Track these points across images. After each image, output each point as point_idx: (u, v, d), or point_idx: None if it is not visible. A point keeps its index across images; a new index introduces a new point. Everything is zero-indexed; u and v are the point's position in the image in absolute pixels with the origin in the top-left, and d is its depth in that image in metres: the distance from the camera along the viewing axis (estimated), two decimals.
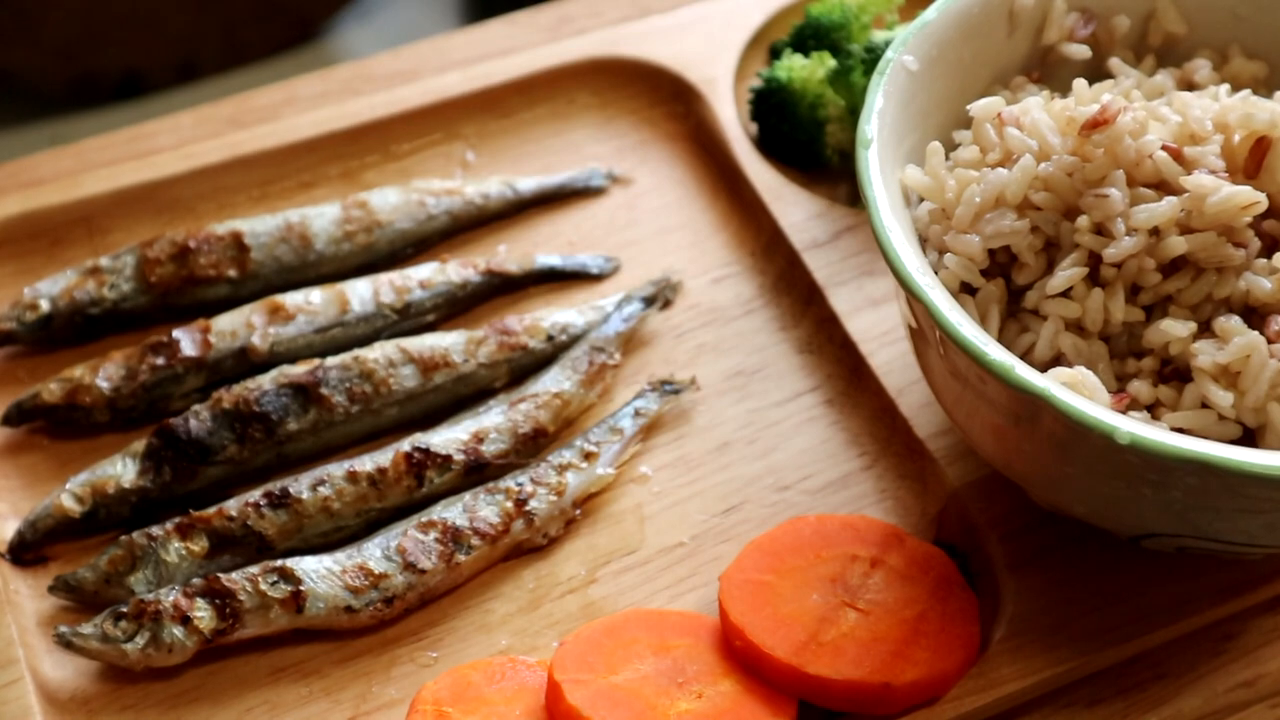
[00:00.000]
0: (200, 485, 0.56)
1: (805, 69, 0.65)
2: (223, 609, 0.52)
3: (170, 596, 0.52)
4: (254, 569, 0.53)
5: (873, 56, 0.62)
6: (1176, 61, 0.57)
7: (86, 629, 0.52)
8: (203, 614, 0.51)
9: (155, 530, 0.54)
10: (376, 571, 0.53)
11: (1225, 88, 0.52)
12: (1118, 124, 0.48)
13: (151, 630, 0.51)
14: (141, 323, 0.62)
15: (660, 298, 0.62)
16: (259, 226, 0.62)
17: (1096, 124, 0.48)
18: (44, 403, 0.58)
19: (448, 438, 0.56)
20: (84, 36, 0.71)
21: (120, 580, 0.54)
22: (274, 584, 0.52)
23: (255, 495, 0.55)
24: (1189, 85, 0.55)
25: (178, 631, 0.51)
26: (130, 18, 0.71)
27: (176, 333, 0.59)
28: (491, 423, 0.57)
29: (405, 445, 0.56)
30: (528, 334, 0.60)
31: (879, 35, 0.65)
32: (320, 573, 0.53)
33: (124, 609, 0.52)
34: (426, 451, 0.56)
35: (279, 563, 0.53)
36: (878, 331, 0.60)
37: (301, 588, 0.52)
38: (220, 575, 0.52)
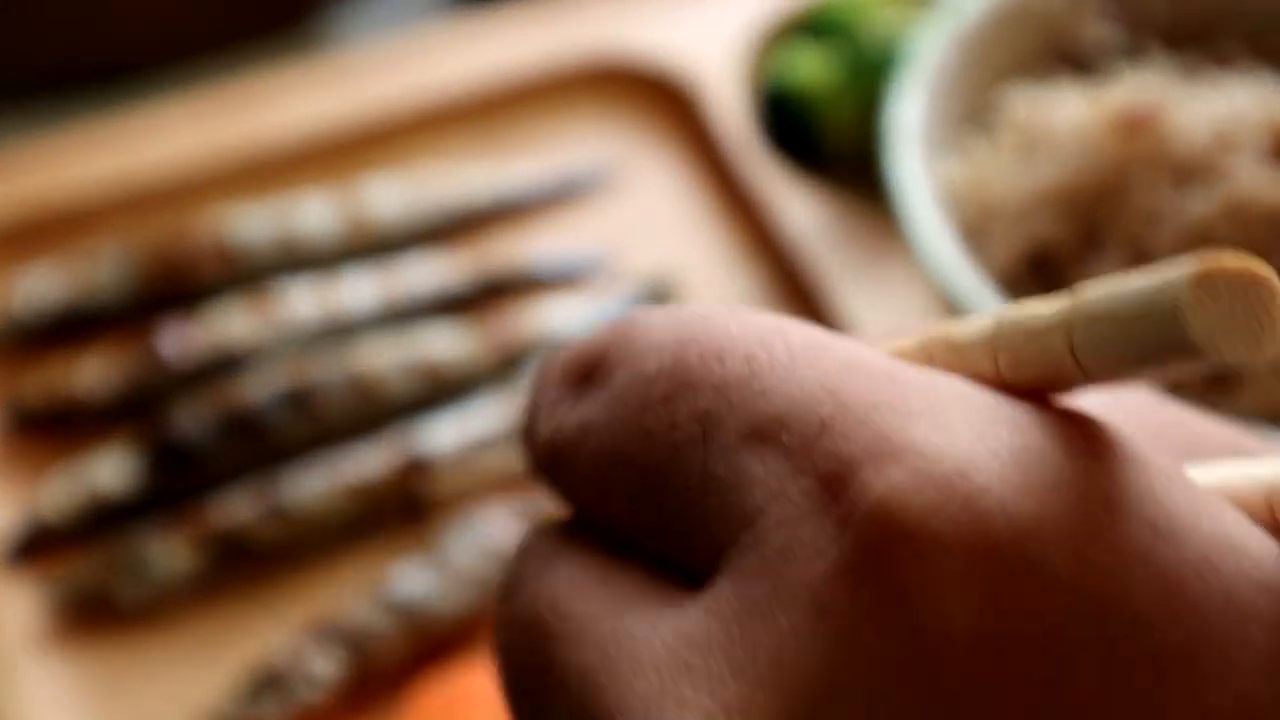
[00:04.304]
0: (190, 486, 0.55)
1: (814, 62, 0.64)
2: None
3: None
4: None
5: (889, 48, 0.62)
6: (1217, 43, 0.56)
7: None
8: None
9: (144, 532, 0.53)
10: None
11: (1269, 73, 0.51)
12: (1159, 114, 0.47)
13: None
14: (127, 320, 0.60)
15: (659, 297, 0.61)
16: (248, 221, 0.61)
17: (1137, 114, 0.47)
18: (27, 404, 0.57)
19: (445, 444, 0.55)
20: (67, 23, 0.70)
21: (108, 583, 0.52)
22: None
23: (247, 497, 0.53)
24: (1229, 68, 0.54)
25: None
26: (116, 4, 0.71)
27: (163, 331, 0.58)
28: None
29: (402, 453, 0.55)
30: (524, 334, 0.59)
31: (895, 25, 0.64)
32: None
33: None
34: (426, 462, 0.55)
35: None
36: (881, 331, 0.59)
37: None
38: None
